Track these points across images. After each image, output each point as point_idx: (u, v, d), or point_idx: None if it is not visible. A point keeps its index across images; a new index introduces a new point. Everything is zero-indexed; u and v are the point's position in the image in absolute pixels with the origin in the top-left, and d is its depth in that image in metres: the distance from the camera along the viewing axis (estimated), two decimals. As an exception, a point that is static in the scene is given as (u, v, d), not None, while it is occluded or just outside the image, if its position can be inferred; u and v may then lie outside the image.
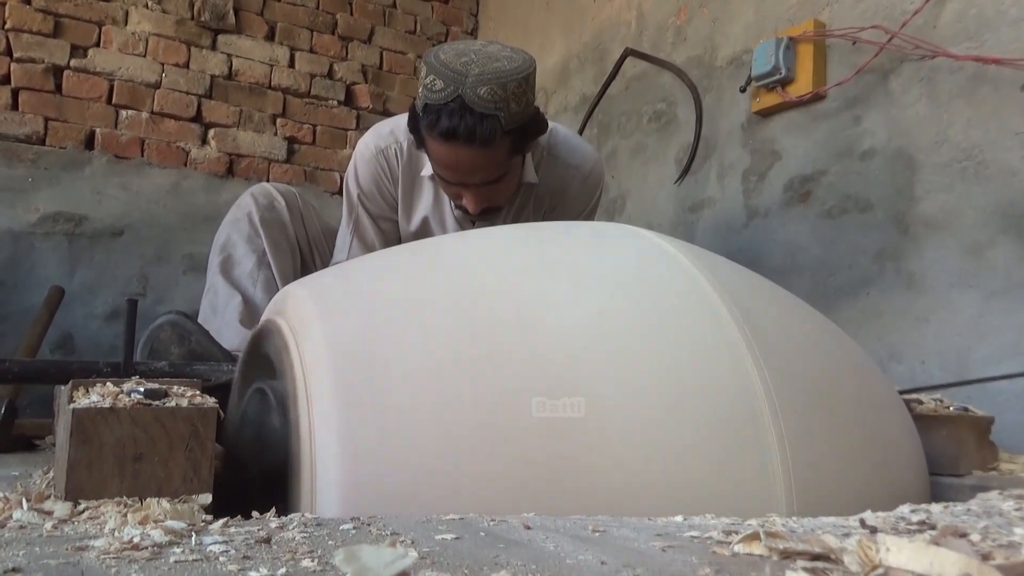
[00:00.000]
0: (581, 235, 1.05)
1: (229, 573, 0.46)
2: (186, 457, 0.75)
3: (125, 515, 0.67)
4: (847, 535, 0.59)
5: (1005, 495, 0.83)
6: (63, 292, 2.28)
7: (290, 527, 0.61)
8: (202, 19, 2.84)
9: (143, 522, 0.63)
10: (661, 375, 0.84)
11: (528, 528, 0.63)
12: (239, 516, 0.68)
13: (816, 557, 0.50)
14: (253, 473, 0.92)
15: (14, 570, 0.46)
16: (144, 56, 2.75)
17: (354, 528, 0.61)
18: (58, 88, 2.61)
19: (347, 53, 3.13)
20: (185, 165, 2.78)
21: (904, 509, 0.73)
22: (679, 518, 0.71)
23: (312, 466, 0.77)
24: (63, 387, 0.91)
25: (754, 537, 0.54)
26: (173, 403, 0.77)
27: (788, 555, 0.51)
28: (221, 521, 0.64)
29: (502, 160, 1.38)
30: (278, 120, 2.96)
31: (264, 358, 0.99)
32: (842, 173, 1.80)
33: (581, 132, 2.64)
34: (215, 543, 0.54)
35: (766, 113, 1.99)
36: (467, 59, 1.30)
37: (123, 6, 2.74)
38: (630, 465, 0.79)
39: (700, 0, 2.28)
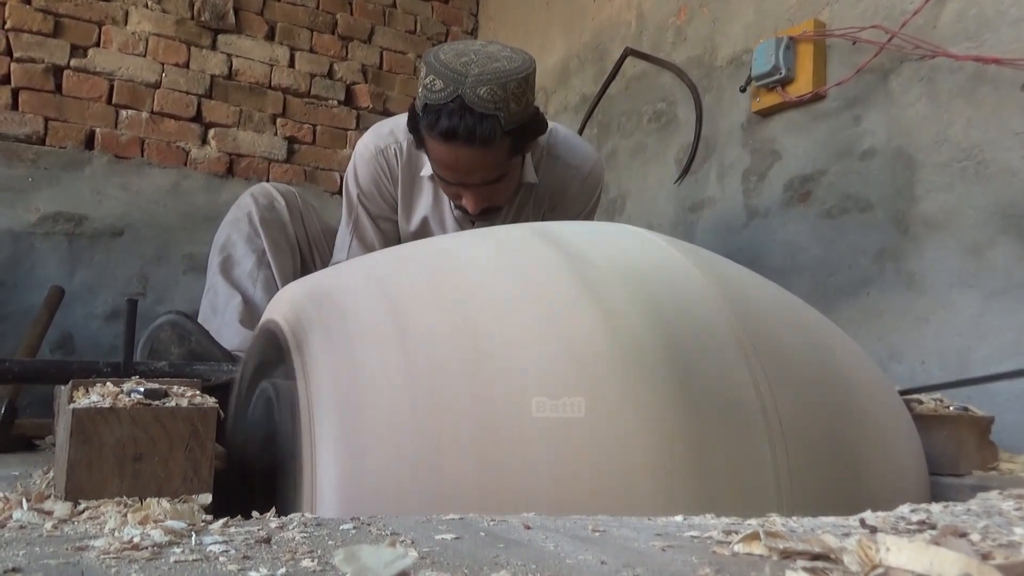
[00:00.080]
0: (580, 235, 1.05)
1: (229, 573, 0.46)
2: (186, 457, 0.75)
3: (125, 515, 0.67)
4: (847, 535, 0.59)
5: (1005, 495, 0.83)
6: (63, 292, 2.28)
7: (290, 527, 0.61)
8: (202, 19, 2.84)
9: (143, 522, 0.63)
10: (660, 375, 0.84)
11: (528, 528, 0.63)
12: (239, 516, 0.68)
13: (816, 557, 0.50)
14: (254, 473, 0.92)
15: (14, 570, 0.46)
16: (144, 56, 2.75)
17: (354, 528, 0.61)
18: (58, 88, 2.61)
19: (347, 53, 3.13)
20: (185, 165, 2.79)
21: (904, 509, 0.73)
22: (679, 518, 0.71)
23: (312, 466, 0.77)
24: (63, 387, 0.91)
25: (754, 537, 0.54)
26: (173, 403, 0.77)
27: (788, 555, 0.51)
28: (221, 521, 0.64)
29: (502, 160, 1.38)
30: (278, 120, 2.96)
31: (264, 358, 0.99)
32: (842, 173, 1.80)
33: (581, 132, 2.64)
34: (215, 543, 0.54)
35: (766, 113, 1.99)
36: (467, 59, 1.30)
37: (123, 6, 2.74)
38: (630, 465, 0.79)
39: (700, 0, 2.28)
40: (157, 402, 0.76)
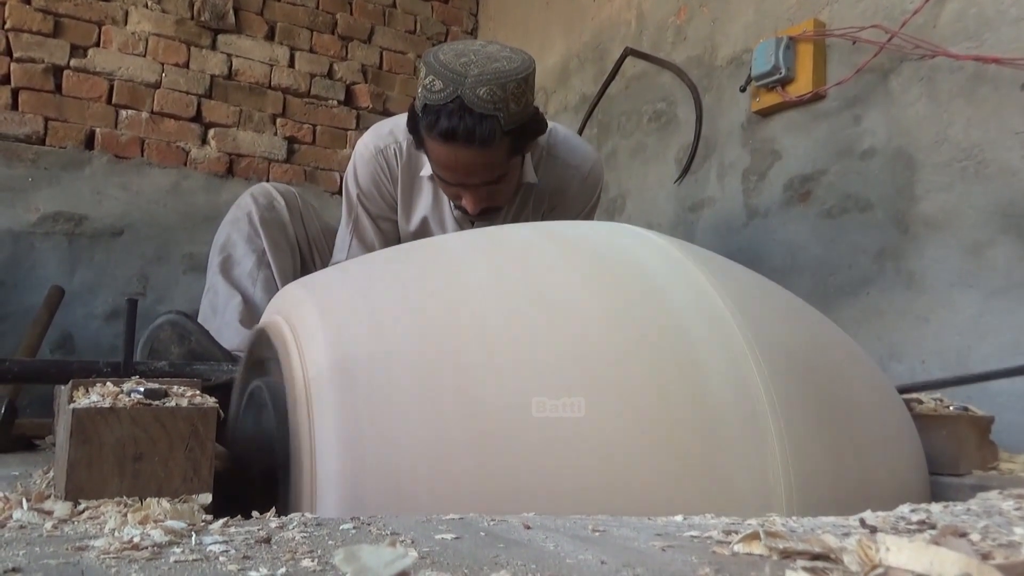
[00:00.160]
0: (581, 235, 1.05)
1: (229, 573, 0.46)
2: (186, 457, 0.75)
3: (125, 515, 0.67)
4: (847, 535, 0.59)
5: (1005, 495, 0.83)
6: (63, 292, 2.28)
7: (290, 527, 0.61)
8: (202, 19, 2.84)
9: (143, 522, 0.63)
10: (661, 375, 0.84)
11: (528, 528, 0.63)
12: (239, 516, 0.68)
13: (816, 557, 0.50)
14: (254, 473, 0.92)
15: (14, 570, 0.46)
16: (144, 56, 2.75)
17: (354, 528, 0.61)
18: (58, 88, 2.61)
19: (347, 53, 3.13)
20: (185, 165, 2.79)
21: (904, 509, 0.73)
22: (679, 518, 0.71)
23: (312, 466, 0.77)
24: (63, 387, 0.91)
25: (754, 537, 0.54)
26: (173, 403, 0.77)
27: (788, 555, 0.51)
28: (221, 521, 0.64)
29: (501, 160, 1.38)
30: (278, 120, 2.96)
31: (264, 358, 0.99)
32: (842, 173, 1.80)
33: (581, 132, 2.64)
34: (215, 543, 0.54)
35: (766, 113, 1.99)
36: (466, 59, 1.30)
37: (123, 6, 2.74)
38: (630, 465, 0.79)
39: (700, 0, 2.28)
40: (157, 402, 0.76)
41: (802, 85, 1.87)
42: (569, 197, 1.62)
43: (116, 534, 0.57)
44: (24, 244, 2.51)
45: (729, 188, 2.10)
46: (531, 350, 0.83)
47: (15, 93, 2.55)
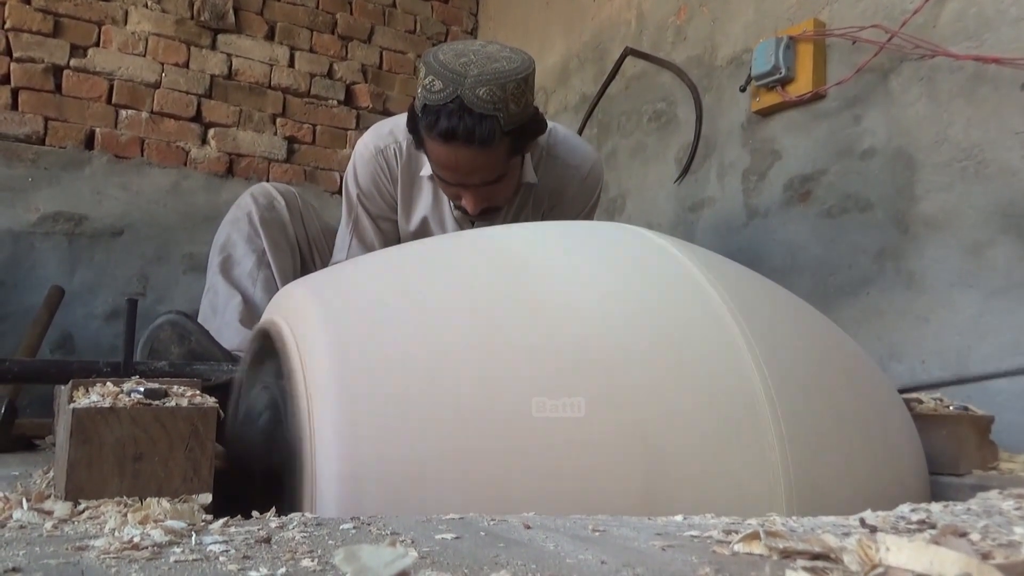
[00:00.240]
0: (580, 235, 1.05)
1: (229, 573, 0.46)
2: (186, 457, 0.75)
3: (125, 515, 0.67)
4: (847, 534, 0.59)
5: (1005, 494, 0.83)
6: (63, 292, 2.28)
7: (290, 527, 0.61)
8: (202, 19, 2.84)
9: (143, 522, 0.63)
10: (661, 375, 0.84)
11: (528, 528, 0.63)
12: (239, 516, 0.68)
13: (816, 556, 0.50)
14: (254, 472, 0.92)
15: (14, 570, 0.46)
16: (144, 56, 2.75)
17: (354, 528, 0.61)
18: (58, 88, 2.61)
19: (347, 53, 3.13)
20: (185, 165, 2.79)
21: (904, 508, 0.73)
22: (679, 517, 0.71)
23: (312, 466, 0.77)
24: (63, 387, 0.91)
25: (754, 536, 0.54)
26: (173, 403, 0.77)
27: (788, 554, 0.51)
28: (221, 521, 0.64)
29: (501, 161, 1.38)
30: (278, 120, 2.96)
31: (264, 358, 0.99)
32: (842, 173, 1.80)
33: (581, 132, 2.64)
34: (215, 543, 0.54)
35: (766, 112, 1.99)
36: (466, 60, 1.30)
37: (123, 6, 2.74)
38: (630, 465, 0.79)
39: (700, 0, 2.28)
40: (157, 402, 0.76)
41: (802, 85, 1.87)
42: (569, 197, 1.62)
43: (116, 534, 0.57)
44: (24, 244, 2.51)
45: (729, 188, 2.10)
46: (531, 350, 0.83)
47: (15, 93, 2.55)
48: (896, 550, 0.45)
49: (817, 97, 1.86)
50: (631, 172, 2.48)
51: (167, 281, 2.70)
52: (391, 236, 1.67)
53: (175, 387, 0.81)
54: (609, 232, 1.06)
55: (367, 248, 1.62)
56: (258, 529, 0.60)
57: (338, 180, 3.00)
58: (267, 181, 2.50)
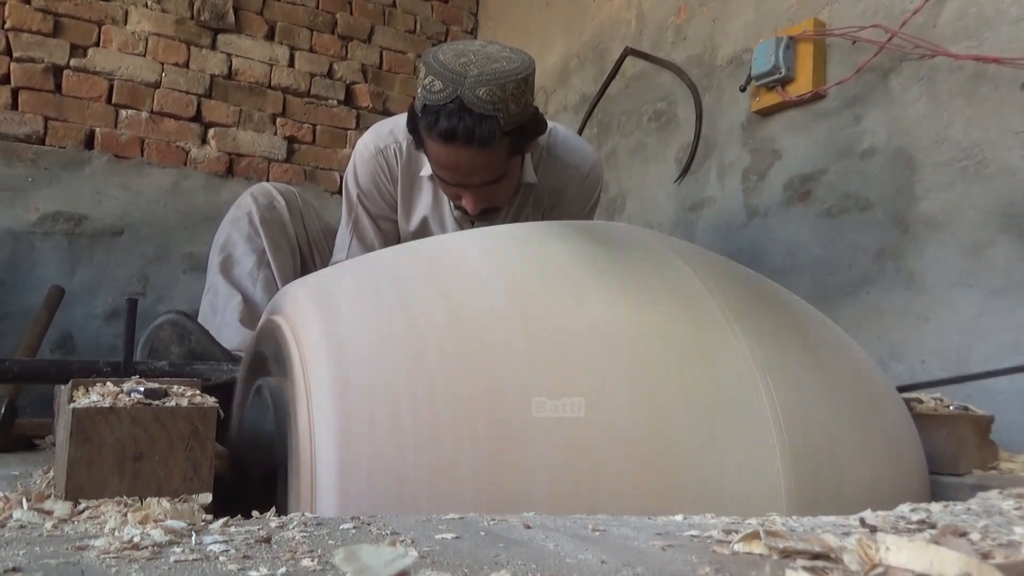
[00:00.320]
0: (580, 235, 1.05)
1: (229, 573, 0.46)
2: (186, 456, 0.75)
3: (125, 514, 0.67)
4: (847, 534, 0.59)
5: (1005, 494, 0.83)
6: (63, 292, 2.28)
7: (290, 527, 0.61)
8: (202, 18, 2.84)
9: (143, 522, 0.63)
10: (661, 375, 0.84)
11: (528, 527, 0.63)
12: (239, 516, 0.68)
13: (816, 556, 0.50)
14: (254, 472, 0.92)
15: (14, 569, 0.46)
16: (144, 56, 2.75)
17: (354, 528, 0.61)
18: (58, 88, 2.61)
19: (347, 52, 3.13)
20: (185, 165, 2.79)
21: (904, 508, 0.73)
22: (679, 517, 0.71)
23: (312, 465, 0.77)
24: (63, 387, 0.91)
25: (754, 536, 0.54)
26: (173, 403, 0.77)
27: (788, 554, 0.51)
28: (221, 521, 0.64)
29: (501, 161, 1.38)
30: (278, 120, 2.96)
31: (264, 358, 0.99)
32: (842, 172, 1.80)
33: (581, 131, 2.64)
34: (215, 543, 0.54)
35: (766, 112, 1.99)
36: (466, 60, 1.30)
37: (123, 6, 2.74)
38: (630, 465, 0.79)
39: (700, 0, 2.29)
40: (157, 402, 0.76)
41: (802, 85, 1.87)
42: (569, 197, 1.62)
43: (116, 534, 0.57)
44: (24, 244, 2.51)
45: (729, 188, 2.10)
46: (531, 350, 0.83)
47: (15, 93, 2.55)
48: (896, 550, 0.45)
49: (817, 97, 1.86)
50: (631, 172, 2.48)
51: (167, 281, 2.70)
52: (391, 236, 1.67)
53: (175, 387, 0.81)
54: (609, 232, 1.06)
55: (367, 248, 1.62)
56: (258, 529, 0.60)
57: (338, 180, 3.00)
58: (267, 181, 2.51)
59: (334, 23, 3.12)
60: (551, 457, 0.77)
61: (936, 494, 1.00)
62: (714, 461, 0.81)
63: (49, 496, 0.74)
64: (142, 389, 0.78)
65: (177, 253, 2.73)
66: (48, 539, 0.57)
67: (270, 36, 2.98)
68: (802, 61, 1.87)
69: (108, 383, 0.81)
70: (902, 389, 1.18)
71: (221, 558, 0.50)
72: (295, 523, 0.63)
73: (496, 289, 0.90)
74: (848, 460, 0.89)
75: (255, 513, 0.71)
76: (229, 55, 2.90)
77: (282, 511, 0.74)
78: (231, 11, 2.90)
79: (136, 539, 0.54)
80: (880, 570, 0.44)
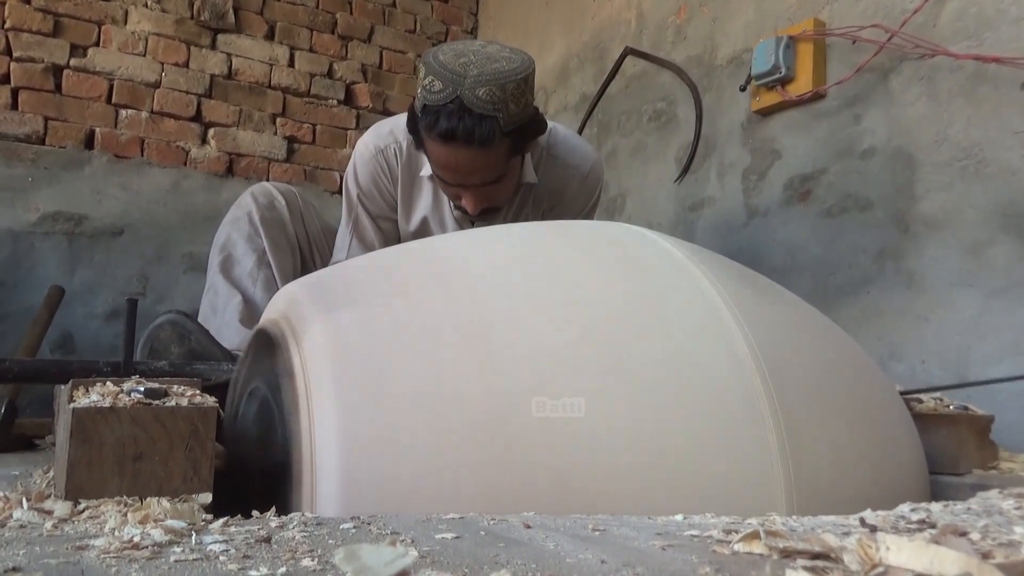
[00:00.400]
0: (581, 235, 1.05)
1: (229, 572, 0.46)
2: (186, 456, 0.75)
3: (125, 514, 0.67)
4: (847, 534, 0.59)
5: (1005, 494, 0.83)
6: (63, 292, 2.28)
7: (290, 526, 0.61)
8: (202, 18, 2.84)
9: (143, 521, 0.63)
10: (661, 375, 0.84)
11: (528, 527, 0.63)
12: (239, 515, 0.68)
13: (816, 556, 0.50)
14: (254, 472, 0.92)
15: (14, 569, 0.46)
16: (144, 55, 2.75)
17: (354, 527, 0.61)
18: (58, 88, 2.61)
19: (347, 52, 3.13)
20: (185, 165, 2.78)
21: (904, 508, 0.73)
22: (679, 517, 0.71)
23: (312, 465, 0.77)
24: (63, 387, 0.91)
25: (754, 536, 0.54)
26: (173, 402, 0.77)
27: (788, 554, 0.51)
28: (221, 520, 0.64)
29: (501, 161, 1.38)
30: (278, 119, 2.96)
31: (264, 357, 0.99)
32: (842, 172, 1.80)
33: (581, 131, 2.64)
34: (215, 542, 0.54)
35: (766, 112, 1.99)
36: (466, 60, 1.30)
37: (123, 5, 2.74)
38: (630, 465, 0.79)
39: (700, -1, 2.28)
40: (157, 401, 0.76)
41: (802, 84, 1.87)
42: (569, 197, 1.62)
43: (116, 533, 0.57)
44: (24, 244, 2.51)
45: (729, 188, 2.10)
46: (531, 350, 0.83)
47: (15, 93, 2.55)
48: (896, 549, 0.45)
49: (817, 97, 1.86)
50: (631, 172, 2.48)
51: (167, 281, 2.70)
52: (391, 236, 1.67)
53: (175, 387, 0.81)
54: (609, 232, 1.06)
55: (367, 248, 1.62)
56: (258, 529, 0.60)
57: (338, 180, 3.00)
58: (267, 181, 2.51)
59: (334, 23, 3.12)
60: (551, 457, 0.77)
61: (936, 494, 1.00)
62: (714, 461, 0.81)
63: (49, 496, 0.74)
64: (142, 389, 0.78)
65: (177, 253, 2.73)
66: (48, 539, 0.57)
67: (270, 36, 2.98)
68: (802, 61, 1.87)
69: (108, 383, 0.81)
70: (903, 393, 1.18)
71: (221, 558, 0.50)
72: (295, 523, 0.63)
73: (496, 289, 0.90)
74: (848, 460, 0.89)
75: (255, 513, 0.71)
76: (229, 55, 2.90)
77: (282, 511, 0.74)
78: (231, 11, 2.89)
79: (136, 539, 0.54)
80: (880, 570, 0.44)
